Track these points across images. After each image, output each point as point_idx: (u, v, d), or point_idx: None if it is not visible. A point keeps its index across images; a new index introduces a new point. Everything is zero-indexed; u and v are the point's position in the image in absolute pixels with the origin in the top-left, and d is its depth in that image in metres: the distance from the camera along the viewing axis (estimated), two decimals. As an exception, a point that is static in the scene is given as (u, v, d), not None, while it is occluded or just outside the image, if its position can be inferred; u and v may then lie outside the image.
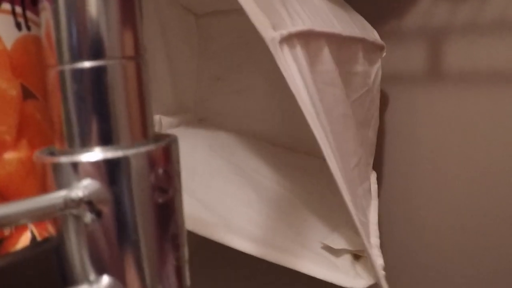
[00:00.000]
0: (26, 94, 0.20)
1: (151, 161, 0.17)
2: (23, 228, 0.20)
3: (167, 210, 0.18)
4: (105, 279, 0.17)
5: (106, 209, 0.17)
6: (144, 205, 0.18)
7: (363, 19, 0.84)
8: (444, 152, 0.93)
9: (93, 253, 0.17)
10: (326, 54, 0.55)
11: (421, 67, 0.91)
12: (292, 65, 0.42)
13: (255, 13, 0.38)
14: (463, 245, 0.96)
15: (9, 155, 0.19)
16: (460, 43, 0.85)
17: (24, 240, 0.20)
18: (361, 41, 0.70)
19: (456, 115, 0.88)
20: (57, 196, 0.16)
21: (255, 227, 0.58)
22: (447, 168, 0.94)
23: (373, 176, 0.87)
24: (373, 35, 0.82)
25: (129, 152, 0.17)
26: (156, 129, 0.82)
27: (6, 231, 0.19)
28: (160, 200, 0.18)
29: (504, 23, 0.80)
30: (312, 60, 0.50)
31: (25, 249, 0.20)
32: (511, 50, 0.80)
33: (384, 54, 0.83)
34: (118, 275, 0.17)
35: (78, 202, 0.16)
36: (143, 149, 0.18)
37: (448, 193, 0.95)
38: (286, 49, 0.42)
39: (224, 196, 0.66)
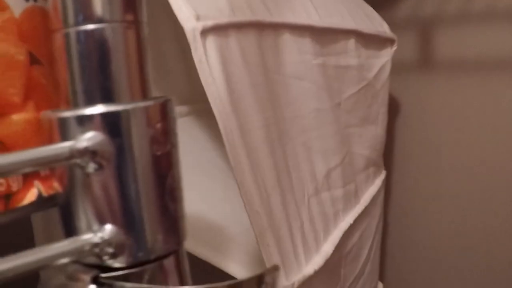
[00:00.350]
0: (32, 60, 0.22)
1: (149, 116, 0.18)
2: (30, 185, 0.21)
3: (165, 163, 0.19)
4: (108, 227, 0.18)
5: (109, 160, 0.18)
6: (144, 157, 0.19)
7: (372, 11, 0.82)
8: (436, 140, 0.93)
9: (96, 204, 0.18)
10: (289, 45, 0.54)
11: (412, 57, 0.91)
12: (213, 56, 0.42)
13: (178, 4, 0.39)
14: (461, 236, 0.96)
15: (17, 116, 0.21)
16: (450, 33, 0.86)
17: (30, 196, 0.21)
18: (352, 32, 0.70)
19: (447, 103, 0.89)
20: (64, 146, 0.18)
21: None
22: (438, 157, 0.95)
23: (380, 178, 0.85)
24: (380, 27, 0.81)
25: (129, 106, 0.19)
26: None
27: (14, 187, 0.20)
28: (159, 153, 0.19)
29: (493, 12, 0.81)
30: (262, 51, 0.49)
31: (31, 204, 0.21)
32: (500, 38, 0.81)
33: (395, 47, 0.82)
34: (120, 225, 0.18)
35: (83, 152, 0.17)
36: (141, 104, 0.19)
37: (442, 181, 0.95)
38: (210, 39, 0.42)
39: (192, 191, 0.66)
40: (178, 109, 0.85)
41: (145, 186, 0.19)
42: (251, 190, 0.45)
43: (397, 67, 0.86)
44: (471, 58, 0.85)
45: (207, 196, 0.64)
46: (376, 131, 0.79)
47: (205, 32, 0.42)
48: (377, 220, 0.85)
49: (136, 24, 0.20)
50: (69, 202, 0.19)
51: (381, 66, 0.80)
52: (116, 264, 0.18)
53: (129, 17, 0.20)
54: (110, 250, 0.18)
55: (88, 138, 0.18)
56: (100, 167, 0.18)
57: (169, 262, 0.19)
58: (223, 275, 0.56)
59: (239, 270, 0.54)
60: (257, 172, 0.46)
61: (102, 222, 0.18)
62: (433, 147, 0.94)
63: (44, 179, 0.22)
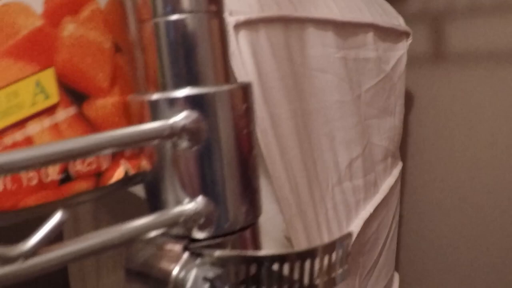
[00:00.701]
0: (116, 48, 0.24)
1: (233, 98, 0.20)
2: (117, 164, 0.23)
3: (248, 142, 0.21)
4: (200, 199, 0.20)
5: (201, 138, 0.20)
6: (230, 135, 0.20)
7: (388, 5, 0.83)
8: (450, 132, 0.94)
9: (187, 178, 0.20)
10: (313, 39, 0.56)
11: (425, 50, 0.92)
12: (244, 49, 0.43)
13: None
14: (478, 224, 0.97)
15: (106, 100, 0.23)
16: (462, 25, 0.86)
17: (118, 175, 0.23)
18: (371, 26, 0.71)
19: (460, 95, 0.90)
20: (165, 124, 0.19)
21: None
22: (452, 149, 0.96)
23: (397, 169, 0.86)
24: (396, 21, 0.81)
25: (215, 89, 0.20)
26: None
27: (104, 166, 0.22)
28: (243, 132, 0.21)
29: (504, 3, 0.82)
30: (288, 45, 0.51)
31: (119, 182, 0.23)
32: (511, 29, 0.81)
33: (410, 40, 0.83)
34: (210, 197, 0.20)
35: (181, 130, 0.19)
36: (226, 87, 0.21)
37: (456, 172, 0.96)
38: (242, 33, 0.44)
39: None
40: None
41: (232, 162, 0.20)
42: (282, 178, 0.47)
43: (411, 60, 0.86)
44: (483, 49, 0.86)
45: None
46: (394, 122, 0.81)
47: (237, 26, 0.44)
48: (394, 211, 0.87)
49: (218, 14, 0.22)
50: (158, 178, 0.20)
51: (397, 59, 0.81)
52: (203, 234, 0.20)
53: (213, 7, 0.22)
54: (201, 220, 0.20)
55: (185, 117, 0.19)
56: (192, 144, 0.20)
57: (247, 234, 0.21)
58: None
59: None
60: (286, 161, 0.48)
61: (193, 195, 0.20)
62: (447, 138, 0.95)
63: (130, 158, 0.24)
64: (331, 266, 0.19)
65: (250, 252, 0.19)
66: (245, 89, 0.21)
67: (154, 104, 0.20)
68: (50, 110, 0.20)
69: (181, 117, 0.20)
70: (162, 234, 0.20)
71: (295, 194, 0.49)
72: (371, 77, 0.73)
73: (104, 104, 0.22)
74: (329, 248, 0.19)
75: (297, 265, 0.19)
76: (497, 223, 0.93)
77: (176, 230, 0.20)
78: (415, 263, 1.11)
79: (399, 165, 0.90)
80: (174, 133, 0.19)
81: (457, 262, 1.02)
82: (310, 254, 0.18)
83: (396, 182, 0.86)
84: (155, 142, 0.20)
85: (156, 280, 0.20)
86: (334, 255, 0.19)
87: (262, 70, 0.46)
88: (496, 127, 0.88)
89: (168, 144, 0.20)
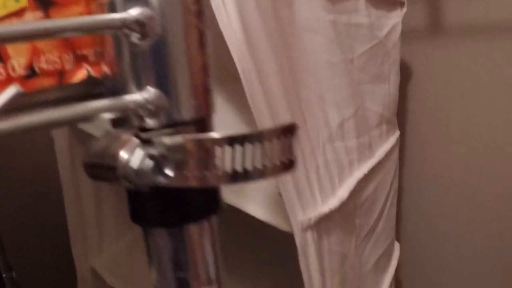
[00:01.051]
0: None
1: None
2: (80, 66, 0.25)
3: (199, 40, 0.23)
4: (150, 89, 0.22)
5: (153, 32, 0.21)
6: (182, 31, 0.22)
7: None
8: (447, 104, 0.95)
9: (140, 71, 0.22)
10: (302, 2, 0.57)
11: (422, 22, 0.93)
12: (230, 5, 0.45)
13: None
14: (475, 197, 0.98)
15: (72, 8, 0.24)
16: None
17: (80, 75, 0.25)
18: None
19: (456, 67, 0.91)
20: (117, 15, 0.21)
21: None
22: (449, 120, 0.96)
23: (394, 136, 0.88)
24: None
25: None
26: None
27: (67, 66, 0.24)
28: (195, 30, 0.22)
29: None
30: (275, 4, 0.52)
31: (82, 83, 0.25)
32: (510, 3, 0.82)
33: (405, 10, 0.85)
34: (160, 89, 0.22)
35: (132, 22, 0.21)
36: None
37: (453, 142, 0.98)
38: None
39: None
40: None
41: (181, 57, 0.22)
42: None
43: (408, 33, 0.87)
44: (480, 22, 0.87)
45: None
46: (388, 89, 0.82)
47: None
48: (391, 177, 0.88)
49: None
50: (116, 77, 0.22)
51: (392, 26, 0.82)
52: (154, 123, 0.22)
53: None
54: (151, 108, 0.22)
55: (137, 12, 0.21)
56: (144, 37, 0.21)
57: (197, 127, 0.23)
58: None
59: (257, 210, 0.58)
60: (273, 113, 0.49)
61: (144, 86, 0.22)
62: (443, 110, 0.96)
63: (93, 64, 0.26)
64: (275, 152, 0.20)
65: (197, 136, 0.21)
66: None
67: (111, 5, 0.22)
68: (19, 13, 0.22)
69: (133, 12, 0.22)
70: (117, 126, 0.22)
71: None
72: (364, 42, 0.74)
73: (71, 13, 0.24)
74: (273, 133, 0.20)
75: (239, 149, 0.20)
76: (496, 191, 0.94)
77: (130, 123, 0.22)
78: (415, 234, 1.12)
79: (396, 133, 0.91)
80: (126, 24, 0.21)
81: (456, 231, 1.04)
82: (255, 137, 0.20)
83: (392, 149, 0.87)
84: (110, 31, 0.22)
85: (108, 167, 0.22)
86: (278, 142, 0.20)
87: (248, 26, 0.48)
88: (494, 99, 0.89)
89: (124, 40, 0.22)
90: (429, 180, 1.05)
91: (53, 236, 0.99)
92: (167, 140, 0.20)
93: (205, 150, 0.21)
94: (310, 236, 0.52)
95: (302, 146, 0.54)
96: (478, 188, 0.97)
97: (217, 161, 0.21)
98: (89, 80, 0.25)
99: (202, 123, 0.24)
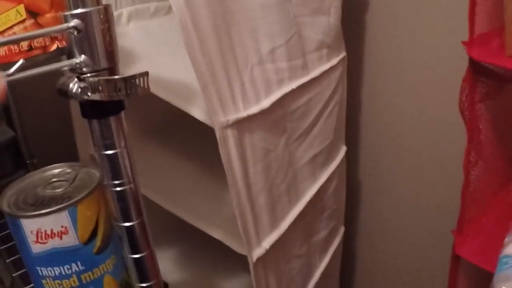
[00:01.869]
0: None
1: (101, 12, 0.44)
2: (53, 42, 0.48)
3: (107, 33, 0.45)
4: (83, 56, 0.45)
5: (83, 29, 0.44)
6: (98, 28, 0.45)
7: None
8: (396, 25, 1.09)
9: (78, 48, 0.45)
10: None
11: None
12: None
13: None
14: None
15: (48, 15, 0.47)
16: None
17: (54, 47, 0.49)
18: None
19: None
20: (65, 26, 0.44)
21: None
22: (400, 41, 1.11)
23: (336, 58, 1.03)
24: None
25: (91, 8, 0.44)
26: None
27: (47, 42, 0.47)
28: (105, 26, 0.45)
29: None
30: None
31: (56, 50, 0.48)
32: None
33: None
34: (87, 55, 0.45)
35: (72, 27, 0.43)
36: (96, 8, 0.44)
37: (404, 65, 1.11)
38: None
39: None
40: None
41: (98, 42, 0.45)
42: (199, 60, 0.69)
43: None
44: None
45: (175, 62, 0.86)
46: (328, 20, 0.98)
47: None
48: (331, 91, 1.05)
49: None
50: (69, 49, 0.46)
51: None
52: (86, 70, 0.46)
53: None
54: (84, 65, 0.45)
55: (74, 22, 0.44)
56: (79, 33, 0.44)
57: (109, 72, 0.47)
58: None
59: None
60: (204, 48, 0.70)
61: (80, 54, 0.45)
62: (392, 28, 1.10)
63: (60, 40, 0.49)
64: (129, 87, 0.44)
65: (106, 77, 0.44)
66: (106, 9, 0.45)
67: (64, 17, 0.45)
68: (22, 21, 0.46)
69: (73, 23, 0.44)
70: (71, 71, 0.46)
71: (210, 69, 0.71)
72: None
73: (47, 17, 0.47)
74: (131, 77, 0.44)
75: (122, 83, 0.43)
76: (441, 99, 1.09)
77: (75, 71, 0.46)
78: (366, 136, 1.29)
79: (341, 55, 1.08)
80: (69, 28, 0.44)
81: (404, 135, 1.20)
82: (130, 78, 0.43)
83: (333, 68, 1.04)
84: (62, 33, 0.45)
85: (65, 91, 0.46)
86: (133, 81, 0.44)
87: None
88: (442, 21, 1.01)
89: (71, 34, 0.45)
90: (376, 92, 1.20)
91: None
92: (91, 79, 0.44)
93: (109, 83, 0.44)
94: (230, 132, 0.74)
95: (229, 68, 0.74)
96: (424, 97, 1.12)
97: (115, 88, 0.44)
98: (58, 49, 0.48)
99: (111, 70, 0.47)
